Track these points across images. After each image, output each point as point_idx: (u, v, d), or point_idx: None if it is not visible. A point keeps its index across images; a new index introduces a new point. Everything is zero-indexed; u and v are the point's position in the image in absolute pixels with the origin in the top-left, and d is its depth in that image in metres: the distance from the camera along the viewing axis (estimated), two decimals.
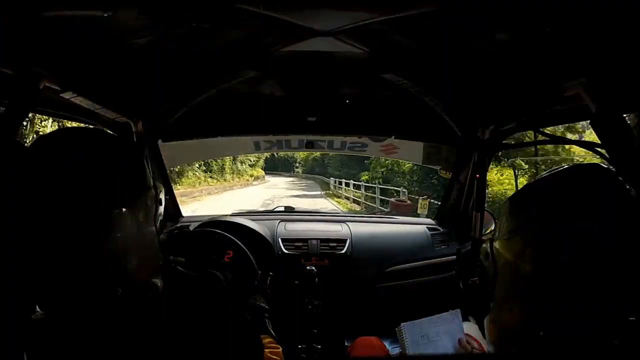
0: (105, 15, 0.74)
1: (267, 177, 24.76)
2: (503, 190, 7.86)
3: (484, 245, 0.68)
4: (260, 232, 1.58)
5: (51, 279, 0.57)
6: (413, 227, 1.83)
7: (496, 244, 0.62)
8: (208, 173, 16.96)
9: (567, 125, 7.40)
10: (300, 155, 28.80)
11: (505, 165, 7.87)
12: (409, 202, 9.20)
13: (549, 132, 1.19)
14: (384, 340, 1.31)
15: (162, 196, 0.87)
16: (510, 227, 0.60)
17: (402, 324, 1.14)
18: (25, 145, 0.66)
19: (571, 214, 0.52)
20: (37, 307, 0.58)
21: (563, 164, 0.64)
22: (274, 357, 0.93)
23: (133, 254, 0.62)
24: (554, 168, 0.65)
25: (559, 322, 0.52)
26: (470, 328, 1.15)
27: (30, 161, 0.60)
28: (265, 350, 0.94)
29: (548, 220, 0.54)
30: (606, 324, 0.50)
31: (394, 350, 1.33)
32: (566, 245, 0.52)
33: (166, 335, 0.63)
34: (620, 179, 0.55)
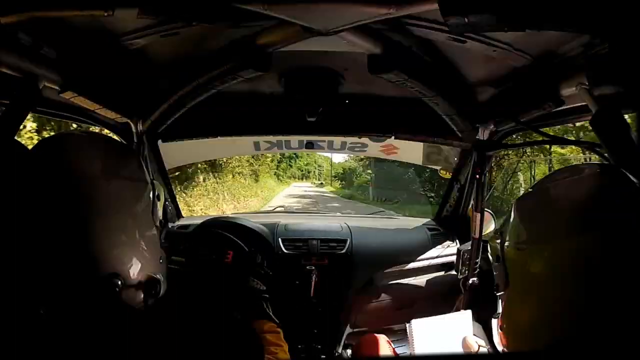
0: (105, 15, 0.74)
1: None
2: None
3: (493, 245, 0.66)
4: (260, 232, 1.58)
5: (50, 279, 0.57)
6: (413, 227, 1.83)
7: (508, 251, 0.61)
8: None
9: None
10: None
11: None
12: None
13: (549, 132, 1.19)
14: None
15: (162, 196, 0.87)
16: (525, 238, 0.58)
17: (412, 320, 1.13)
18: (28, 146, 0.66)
19: (592, 223, 0.51)
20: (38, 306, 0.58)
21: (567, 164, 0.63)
22: (275, 341, 0.92)
23: (132, 250, 0.62)
24: (558, 170, 0.63)
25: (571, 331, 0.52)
26: (475, 328, 1.16)
27: (33, 163, 0.60)
28: (267, 335, 0.93)
29: (568, 234, 0.52)
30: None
31: (396, 349, 1.34)
32: (589, 258, 0.50)
33: (165, 334, 0.63)
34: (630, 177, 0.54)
